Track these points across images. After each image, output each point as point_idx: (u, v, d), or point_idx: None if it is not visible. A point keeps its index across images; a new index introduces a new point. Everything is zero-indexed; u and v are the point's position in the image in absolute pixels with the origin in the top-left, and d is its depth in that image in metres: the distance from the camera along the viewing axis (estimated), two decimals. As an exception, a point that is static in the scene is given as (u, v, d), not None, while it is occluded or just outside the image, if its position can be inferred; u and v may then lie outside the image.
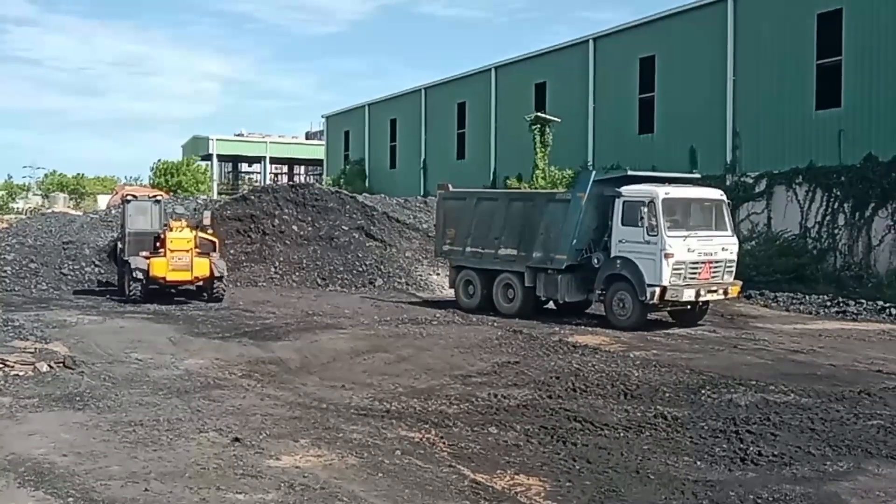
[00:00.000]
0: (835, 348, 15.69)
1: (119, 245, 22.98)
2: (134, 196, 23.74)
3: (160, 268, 20.64)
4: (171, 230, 21.27)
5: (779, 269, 24.82)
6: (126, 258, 21.43)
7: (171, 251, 20.73)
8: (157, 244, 21.49)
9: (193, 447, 8.75)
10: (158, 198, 23.56)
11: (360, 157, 53.31)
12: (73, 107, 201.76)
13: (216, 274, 21.00)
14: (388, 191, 39.56)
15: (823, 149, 25.47)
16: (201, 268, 20.85)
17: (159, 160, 65.85)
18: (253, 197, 28.41)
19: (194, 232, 21.35)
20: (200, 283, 21.18)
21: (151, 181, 66.36)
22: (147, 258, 20.83)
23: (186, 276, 20.84)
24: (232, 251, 25.77)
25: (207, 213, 23.87)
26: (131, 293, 20.68)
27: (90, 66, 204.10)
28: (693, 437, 9.40)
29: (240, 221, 26.89)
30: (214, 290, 21.14)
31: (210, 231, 22.95)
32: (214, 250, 21.96)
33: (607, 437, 9.39)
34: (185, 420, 9.82)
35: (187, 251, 20.80)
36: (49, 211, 44.75)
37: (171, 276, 20.74)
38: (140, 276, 20.56)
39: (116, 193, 50.48)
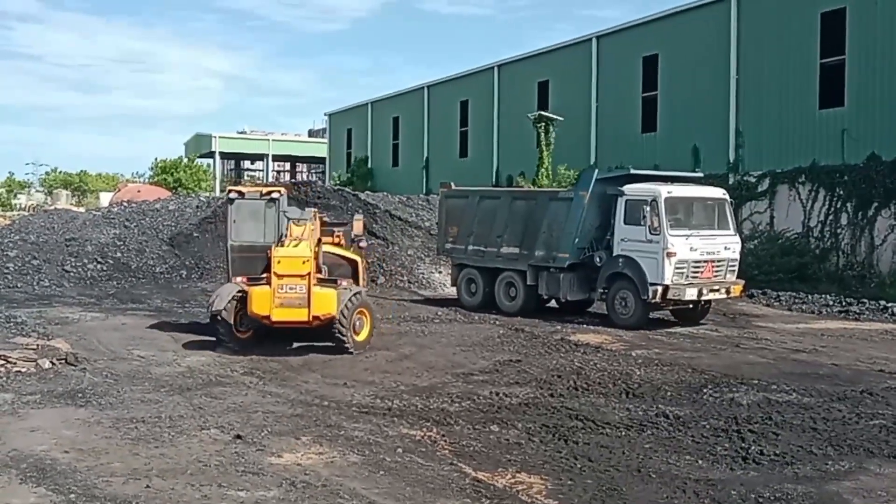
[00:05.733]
0: (837, 348, 15.68)
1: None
2: (240, 193, 16.16)
3: (261, 302, 13.83)
4: (280, 244, 14.55)
5: (781, 269, 24.80)
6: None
7: (279, 277, 13.83)
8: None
9: (195, 444, 8.76)
10: (276, 195, 15.79)
11: (363, 155, 53.32)
12: (76, 103, 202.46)
13: (343, 314, 14.24)
14: (391, 189, 39.54)
15: (826, 148, 25.45)
16: (324, 303, 13.89)
17: (157, 159, 66.00)
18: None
19: (313, 247, 14.39)
20: (321, 324, 14.18)
21: (151, 179, 66.47)
22: (245, 286, 14.35)
23: (301, 316, 13.85)
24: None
25: (360, 219, 17.47)
26: (221, 340, 14.50)
27: (93, 62, 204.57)
28: (695, 436, 9.40)
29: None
30: (336, 334, 14.30)
31: (361, 244, 16.89)
32: (356, 275, 15.97)
33: (609, 436, 9.39)
34: (186, 417, 9.83)
35: (302, 277, 13.84)
36: (51, 208, 44.84)
37: (279, 316, 13.87)
38: (224, 316, 14.25)
39: (119, 191, 50.63)
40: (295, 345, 14.67)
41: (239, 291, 14.31)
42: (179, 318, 17.99)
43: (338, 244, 16.74)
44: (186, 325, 17.01)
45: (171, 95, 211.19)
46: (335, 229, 17.34)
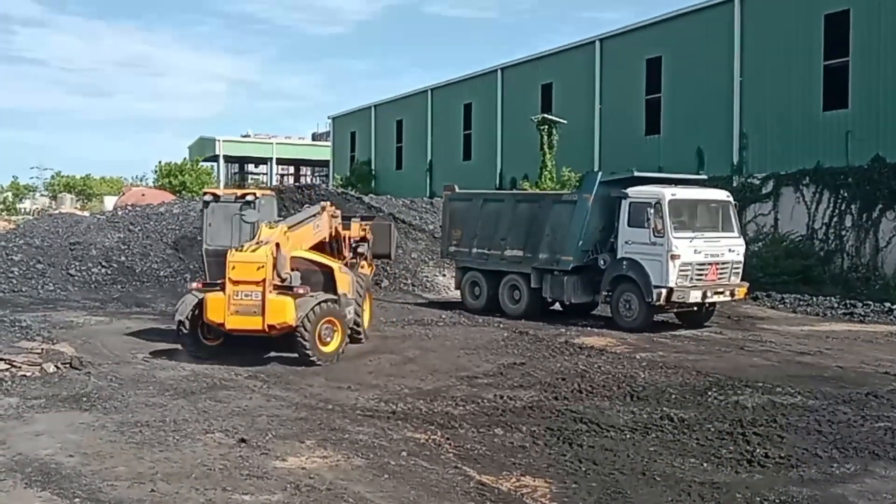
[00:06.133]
0: (842, 350, 15.65)
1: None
2: (215, 196, 15.80)
3: (216, 309, 13.27)
4: (239, 248, 13.63)
5: (786, 271, 24.79)
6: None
7: (233, 283, 13.17)
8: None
9: (200, 448, 8.77)
10: (251, 198, 15.51)
11: (367, 158, 53.40)
12: (81, 107, 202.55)
13: (306, 323, 13.43)
14: (395, 192, 39.59)
15: (831, 150, 25.43)
16: (279, 312, 13.15)
17: (161, 162, 65.99)
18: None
19: (272, 252, 13.28)
20: (280, 333, 13.48)
21: (155, 182, 66.50)
22: (201, 292, 13.88)
23: (255, 325, 13.20)
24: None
25: (356, 222, 17.02)
26: (186, 348, 14.14)
27: (97, 66, 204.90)
28: (699, 438, 9.38)
29: (246, 222, 26.80)
30: (298, 344, 13.55)
31: (360, 249, 16.75)
32: (331, 282, 14.66)
33: (613, 439, 9.37)
34: (191, 421, 9.83)
35: (258, 283, 13.16)
36: (56, 212, 44.91)
37: (234, 324, 13.28)
38: (186, 326, 13.88)
39: (123, 194, 50.72)
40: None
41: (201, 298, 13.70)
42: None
43: (363, 238, 16.82)
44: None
45: (176, 99, 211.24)
46: (364, 222, 17.22)
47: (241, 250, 13.45)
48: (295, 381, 12.36)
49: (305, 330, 13.42)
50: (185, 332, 13.93)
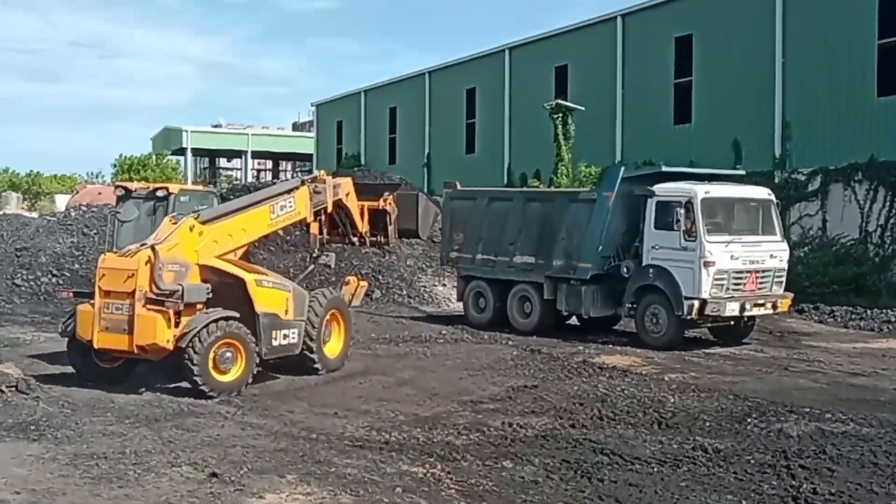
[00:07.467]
0: (900, 370, 15.69)
1: None
2: (126, 189, 15.52)
3: (85, 323, 12.84)
4: (113, 249, 13.49)
5: (835, 280, 24.82)
6: None
7: (103, 293, 12.64)
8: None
9: (164, 483, 8.77)
10: (162, 193, 15.11)
11: (356, 150, 53.52)
12: (28, 94, 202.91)
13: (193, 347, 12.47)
14: (387, 190, 39.65)
15: (886, 141, 25.48)
16: (147, 330, 12.33)
17: (122, 155, 66.11)
18: (232, 197, 28.47)
19: (149, 257, 12.45)
20: (155, 355, 12.81)
21: (113, 179, 66.56)
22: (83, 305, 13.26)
23: (122, 344, 12.56)
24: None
25: (314, 223, 15.46)
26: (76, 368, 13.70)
27: (47, 46, 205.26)
28: (737, 472, 9.39)
29: (217, 225, 26.79)
30: (187, 372, 12.60)
31: (321, 260, 16.12)
32: (245, 297, 13.36)
33: (639, 473, 9.38)
34: (154, 452, 9.84)
35: (127, 296, 12.49)
36: (0, 213, 44.98)
37: (102, 342, 12.72)
38: (71, 343, 13.53)
39: (77, 193, 50.78)
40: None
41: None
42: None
43: (380, 208, 16.11)
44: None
45: (138, 84, 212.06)
46: (387, 192, 16.39)
47: (122, 255, 12.86)
48: (273, 407, 12.37)
49: (194, 353, 12.44)
50: (73, 351, 13.50)
